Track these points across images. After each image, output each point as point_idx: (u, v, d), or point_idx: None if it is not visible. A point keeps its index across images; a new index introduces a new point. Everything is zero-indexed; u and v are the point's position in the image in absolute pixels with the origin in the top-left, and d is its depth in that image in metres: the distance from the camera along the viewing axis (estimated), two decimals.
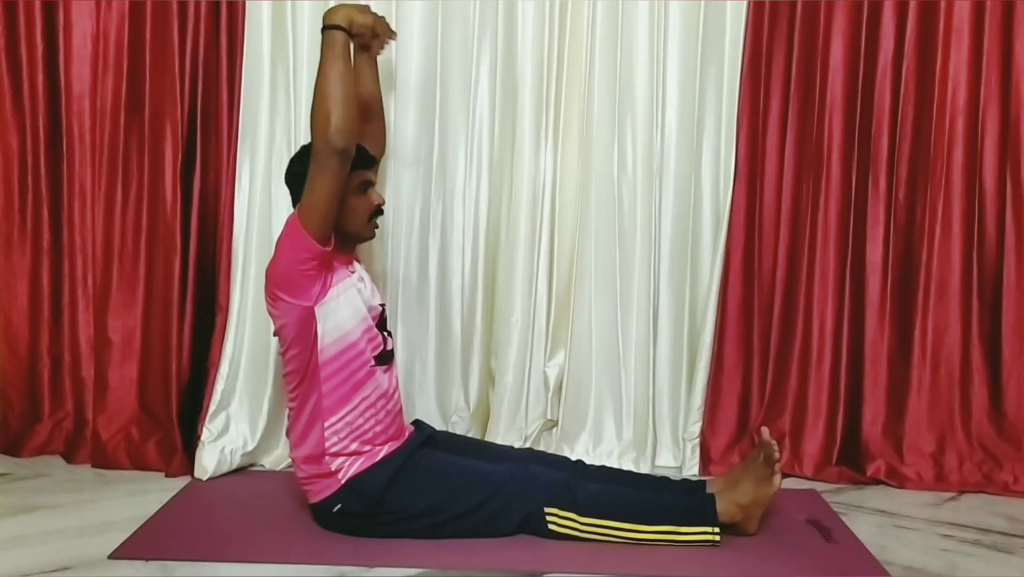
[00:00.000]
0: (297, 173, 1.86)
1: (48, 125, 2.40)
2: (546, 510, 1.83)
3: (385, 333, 1.94)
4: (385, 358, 1.91)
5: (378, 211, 1.91)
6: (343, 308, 1.82)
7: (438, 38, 2.39)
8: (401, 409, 1.98)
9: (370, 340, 1.87)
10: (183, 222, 2.37)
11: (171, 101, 2.34)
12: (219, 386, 2.30)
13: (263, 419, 2.33)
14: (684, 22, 2.39)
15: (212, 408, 2.30)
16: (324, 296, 1.79)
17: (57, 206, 2.43)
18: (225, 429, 2.30)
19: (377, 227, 1.94)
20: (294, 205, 1.88)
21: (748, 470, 1.89)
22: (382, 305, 1.96)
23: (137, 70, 2.34)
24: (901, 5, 2.33)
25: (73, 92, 2.39)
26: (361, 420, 1.85)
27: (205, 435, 2.27)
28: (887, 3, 2.33)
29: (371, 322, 1.89)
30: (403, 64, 2.40)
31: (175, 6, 2.32)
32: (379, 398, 1.88)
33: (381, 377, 1.89)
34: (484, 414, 2.49)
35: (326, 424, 1.83)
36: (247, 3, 2.31)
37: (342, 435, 1.83)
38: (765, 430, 1.89)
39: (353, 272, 1.90)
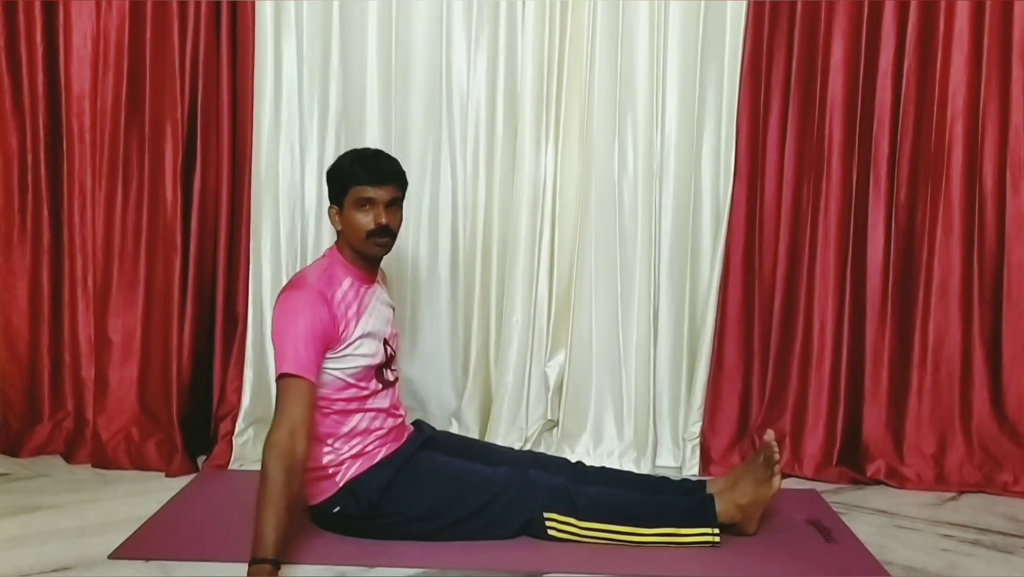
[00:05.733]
0: (328, 175, 1.88)
1: (48, 125, 2.40)
2: (545, 515, 1.83)
3: (388, 370, 1.91)
4: (384, 386, 1.89)
5: (379, 231, 1.80)
6: (340, 361, 1.79)
7: (440, 38, 2.39)
8: (403, 420, 1.97)
9: (371, 379, 1.85)
10: (183, 222, 2.37)
11: (171, 101, 2.34)
12: (246, 390, 2.36)
13: None
14: (684, 22, 2.39)
15: (245, 406, 2.35)
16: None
17: (57, 206, 2.43)
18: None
19: (382, 245, 1.83)
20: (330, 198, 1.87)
21: (748, 471, 1.89)
22: (393, 336, 1.92)
23: (137, 70, 2.34)
24: (902, 6, 2.33)
25: (73, 92, 2.39)
26: (359, 438, 1.84)
27: (239, 427, 2.34)
28: (888, 4, 2.33)
29: (378, 361, 1.85)
30: (403, 63, 2.40)
31: (175, 6, 2.32)
32: (376, 417, 1.87)
33: (379, 402, 1.87)
34: (484, 414, 2.49)
35: (324, 444, 1.82)
36: (256, 3, 2.32)
37: (341, 452, 1.83)
38: (770, 432, 1.88)
39: (367, 305, 1.84)
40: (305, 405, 1.69)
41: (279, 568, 1.56)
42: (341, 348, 1.78)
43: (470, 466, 1.88)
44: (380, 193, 1.80)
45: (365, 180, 1.80)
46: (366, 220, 1.80)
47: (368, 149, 1.93)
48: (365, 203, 1.80)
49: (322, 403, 1.79)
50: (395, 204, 1.85)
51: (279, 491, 1.59)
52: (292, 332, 1.72)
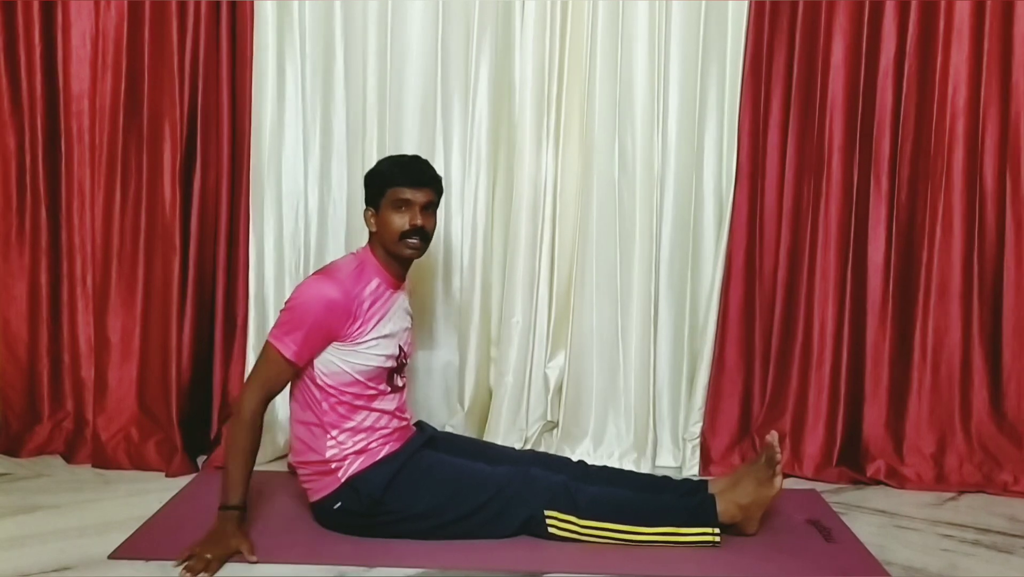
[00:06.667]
0: (366, 178, 1.93)
1: (46, 125, 2.39)
2: (546, 513, 1.83)
3: (398, 376, 1.93)
4: (392, 390, 1.91)
5: (412, 232, 1.84)
6: (351, 356, 1.82)
7: (438, 38, 2.39)
8: (408, 424, 1.98)
9: (381, 381, 1.87)
10: (182, 222, 2.37)
11: (170, 101, 2.34)
12: None
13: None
14: (685, 22, 2.39)
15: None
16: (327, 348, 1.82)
17: (56, 206, 2.43)
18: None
19: (414, 248, 1.87)
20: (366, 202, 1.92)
21: (750, 471, 1.89)
22: (408, 344, 1.95)
23: (136, 70, 2.34)
24: (902, 5, 2.33)
25: (72, 92, 2.39)
26: (363, 434, 1.85)
27: None
28: (888, 3, 2.33)
29: (391, 365, 1.88)
30: (403, 64, 2.39)
31: (174, 6, 2.31)
32: (381, 417, 1.88)
33: (386, 403, 1.89)
34: (483, 415, 2.49)
35: (328, 436, 1.84)
36: (255, 4, 2.32)
37: (345, 444, 1.84)
38: (773, 434, 1.88)
39: (390, 309, 1.87)
40: (285, 382, 1.85)
41: (245, 512, 1.81)
42: (351, 343, 1.81)
43: (471, 465, 1.89)
44: (417, 195, 1.86)
45: (402, 182, 1.85)
46: (401, 221, 1.84)
47: (405, 155, 2.01)
48: (402, 204, 1.85)
49: (331, 391, 1.82)
50: (430, 208, 1.90)
51: (249, 450, 1.78)
52: (303, 316, 1.78)
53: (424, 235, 1.87)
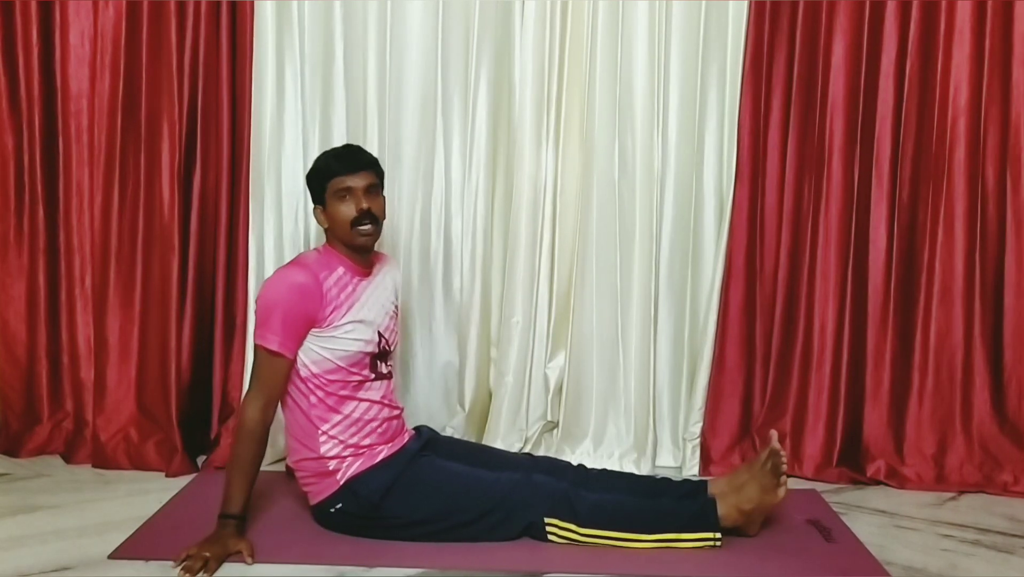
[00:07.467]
0: (307, 179, 1.95)
1: (44, 125, 2.39)
2: (546, 520, 1.83)
3: (383, 363, 1.93)
4: (377, 377, 1.91)
5: (361, 218, 1.84)
6: (329, 342, 1.83)
7: (438, 38, 2.38)
8: (399, 413, 1.98)
9: (364, 367, 1.88)
10: (182, 223, 2.36)
11: (169, 101, 2.33)
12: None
13: None
14: (685, 22, 2.38)
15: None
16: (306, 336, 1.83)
17: (54, 207, 2.43)
18: None
19: (367, 234, 1.87)
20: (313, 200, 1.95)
21: (753, 476, 1.88)
22: (388, 330, 1.95)
23: (134, 70, 2.33)
24: (903, 5, 2.33)
25: (70, 92, 2.38)
26: (354, 428, 1.86)
27: None
28: (889, 3, 2.32)
29: (371, 350, 1.89)
30: (403, 64, 2.39)
31: (173, 5, 2.31)
32: (370, 407, 1.89)
33: (372, 392, 1.89)
34: (483, 416, 2.49)
35: (319, 431, 1.84)
36: (255, 4, 2.31)
37: (337, 440, 1.84)
38: (774, 434, 1.88)
39: (360, 295, 1.89)
40: (282, 380, 1.83)
41: (244, 521, 1.81)
42: (328, 328, 1.82)
43: (472, 472, 1.88)
44: (357, 180, 1.87)
45: (340, 171, 1.87)
46: (348, 209, 1.85)
47: (338, 146, 2.01)
48: (344, 193, 1.86)
49: (316, 382, 1.83)
50: (373, 190, 1.90)
51: (250, 461, 1.79)
52: (275, 306, 1.80)
53: (373, 218, 1.88)
